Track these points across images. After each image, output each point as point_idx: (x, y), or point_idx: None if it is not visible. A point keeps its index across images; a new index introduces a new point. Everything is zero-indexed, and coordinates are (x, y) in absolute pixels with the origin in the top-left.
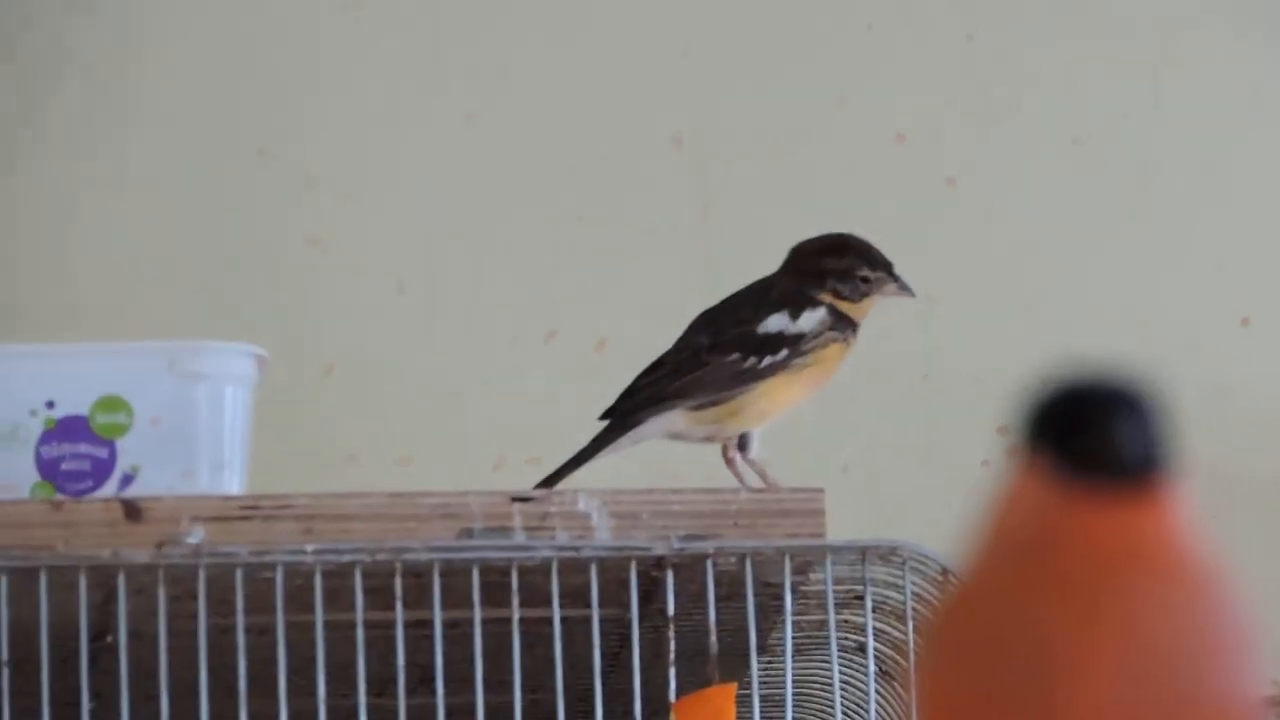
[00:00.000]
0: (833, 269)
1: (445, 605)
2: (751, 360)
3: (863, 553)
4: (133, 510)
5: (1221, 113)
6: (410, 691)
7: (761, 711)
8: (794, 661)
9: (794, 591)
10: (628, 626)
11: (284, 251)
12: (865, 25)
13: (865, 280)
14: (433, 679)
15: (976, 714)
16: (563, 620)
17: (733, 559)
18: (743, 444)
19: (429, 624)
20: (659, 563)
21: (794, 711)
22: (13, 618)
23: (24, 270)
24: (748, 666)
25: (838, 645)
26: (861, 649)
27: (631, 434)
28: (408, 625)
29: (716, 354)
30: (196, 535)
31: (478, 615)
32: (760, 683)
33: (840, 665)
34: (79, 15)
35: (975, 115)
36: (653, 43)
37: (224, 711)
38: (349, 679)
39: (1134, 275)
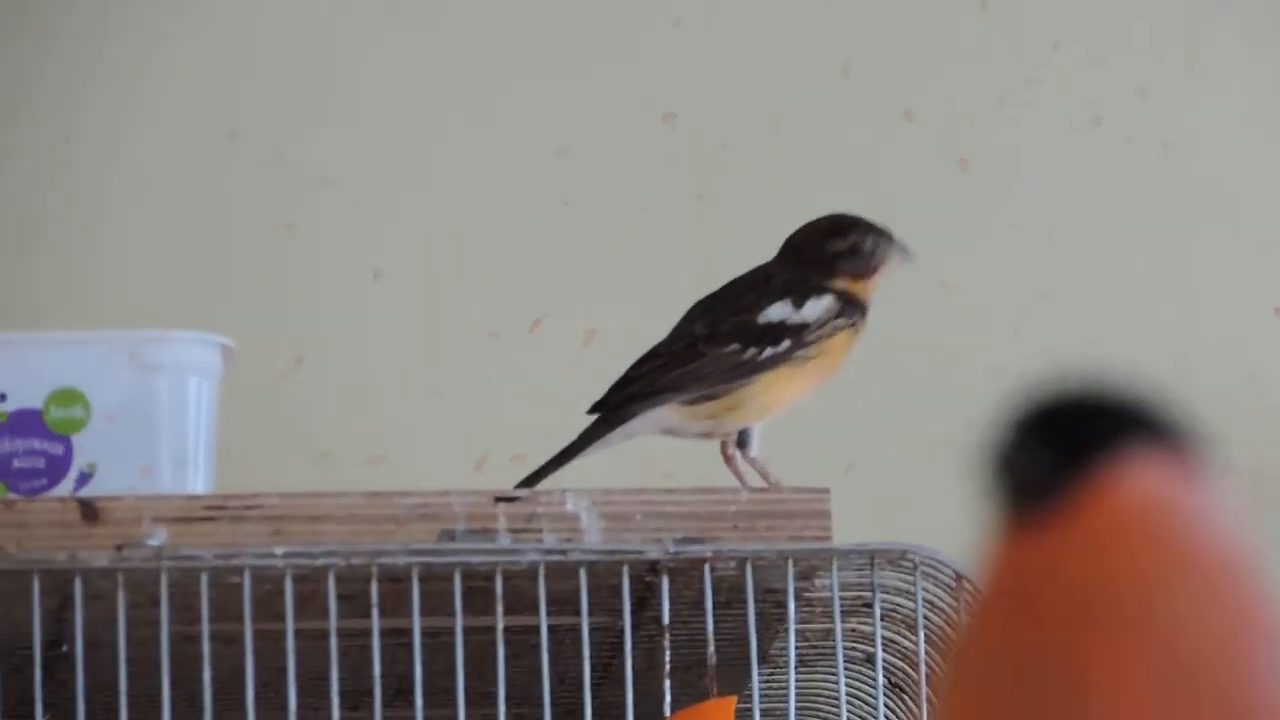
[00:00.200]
0: (840, 250)
1: (424, 612)
2: (751, 351)
3: (871, 557)
4: (90, 511)
5: (1257, 89)
6: (387, 704)
7: None
8: (797, 673)
9: (798, 598)
10: (620, 636)
11: (252, 237)
12: None
13: (872, 253)
14: (411, 691)
15: None
16: (550, 629)
17: (732, 564)
18: (742, 441)
19: (407, 632)
20: (653, 567)
21: None
22: None
23: None
24: (748, 679)
25: (844, 656)
26: (870, 660)
27: (622, 429)
28: (384, 634)
29: (714, 344)
30: (158, 537)
31: (459, 623)
32: (761, 696)
33: (847, 677)
34: None
35: (991, 90)
36: (642, 10)
37: None
38: (322, 691)
39: (1160, 263)
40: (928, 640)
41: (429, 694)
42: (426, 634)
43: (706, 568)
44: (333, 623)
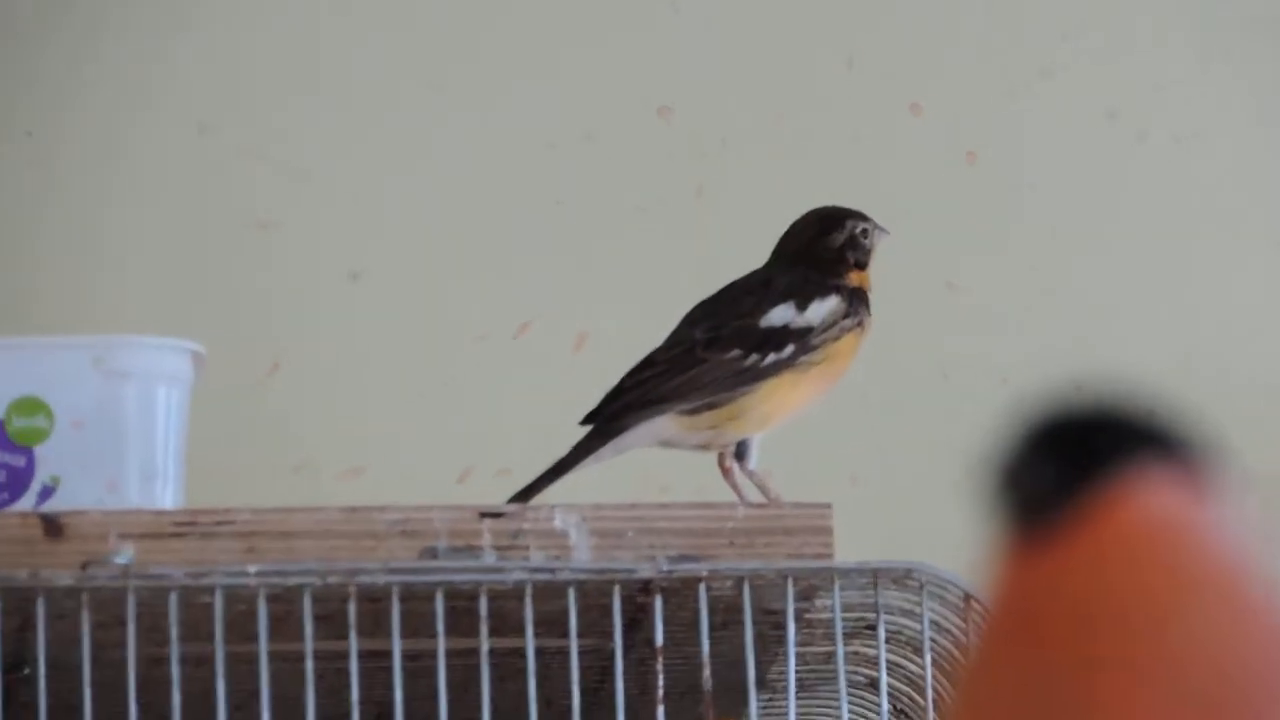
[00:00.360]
0: (842, 243)
1: (405, 634)
2: (753, 357)
3: (875, 576)
4: (53, 526)
5: (1274, 83)
6: None
7: None
8: (798, 699)
9: (798, 619)
10: (610, 658)
11: (225, 236)
12: None
13: (865, 234)
14: (391, 717)
15: None
16: (537, 651)
17: (729, 583)
18: (740, 453)
19: (387, 655)
20: (646, 587)
21: None
22: None
23: None
24: (745, 704)
25: (847, 681)
26: (873, 685)
27: (616, 441)
28: (363, 656)
29: (714, 350)
30: (125, 555)
31: (442, 645)
32: None
33: (850, 703)
34: None
35: (1000, 83)
36: None
37: None
38: (297, 717)
39: (1174, 262)
40: (934, 664)
41: (410, 719)
42: (407, 657)
43: (702, 587)
44: (308, 645)
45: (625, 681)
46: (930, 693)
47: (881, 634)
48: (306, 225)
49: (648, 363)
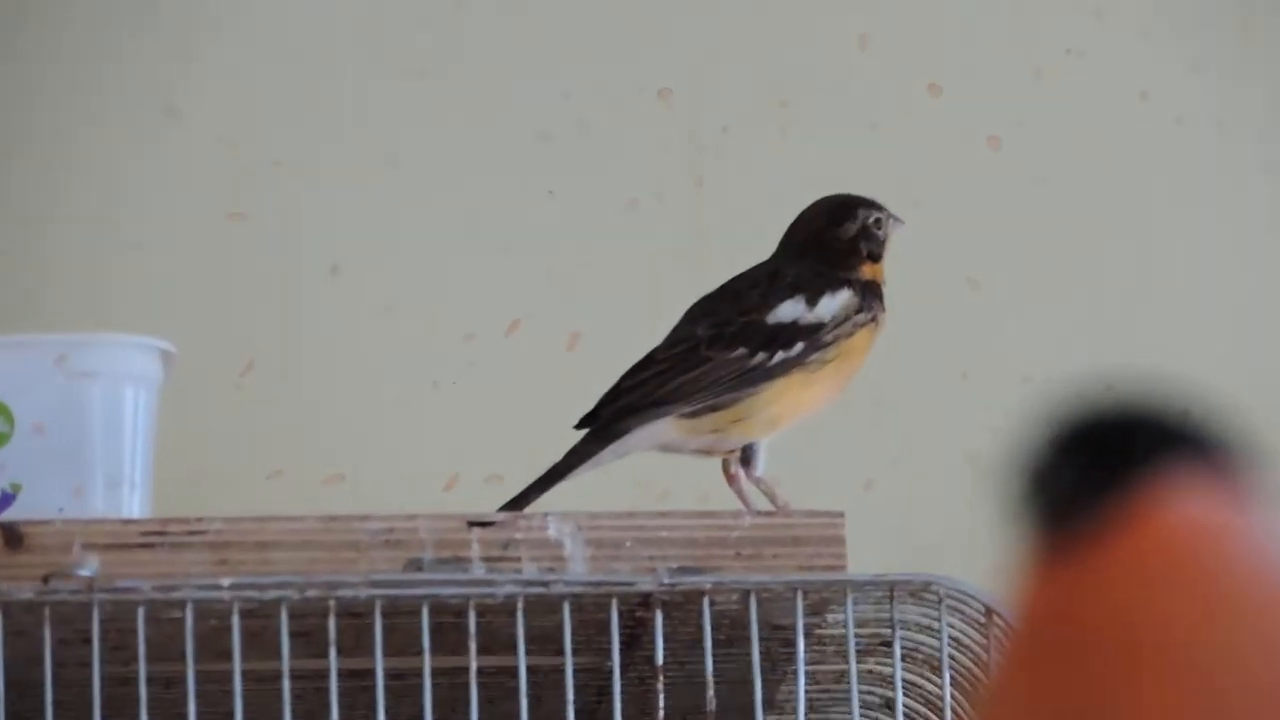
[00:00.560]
0: (855, 233)
1: (388, 651)
2: (760, 356)
3: (890, 589)
4: (13, 536)
5: None
6: None
7: None
8: None
9: (808, 636)
10: (607, 678)
11: (196, 227)
12: None
13: (878, 224)
14: None
15: None
16: (529, 670)
17: (734, 596)
18: (746, 458)
19: (369, 674)
20: (645, 601)
21: None
22: None
23: None
24: None
25: (860, 701)
26: (889, 706)
27: (615, 445)
28: (343, 675)
29: (718, 348)
30: (89, 566)
31: (427, 664)
32: None
33: None
34: None
35: (1025, 63)
36: None
37: None
38: None
39: (1214, 254)
40: (954, 683)
41: None
42: (390, 675)
43: (705, 601)
44: (285, 663)
45: (623, 702)
46: (949, 714)
47: (897, 651)
48: (283, 216)
49: (648, 362)
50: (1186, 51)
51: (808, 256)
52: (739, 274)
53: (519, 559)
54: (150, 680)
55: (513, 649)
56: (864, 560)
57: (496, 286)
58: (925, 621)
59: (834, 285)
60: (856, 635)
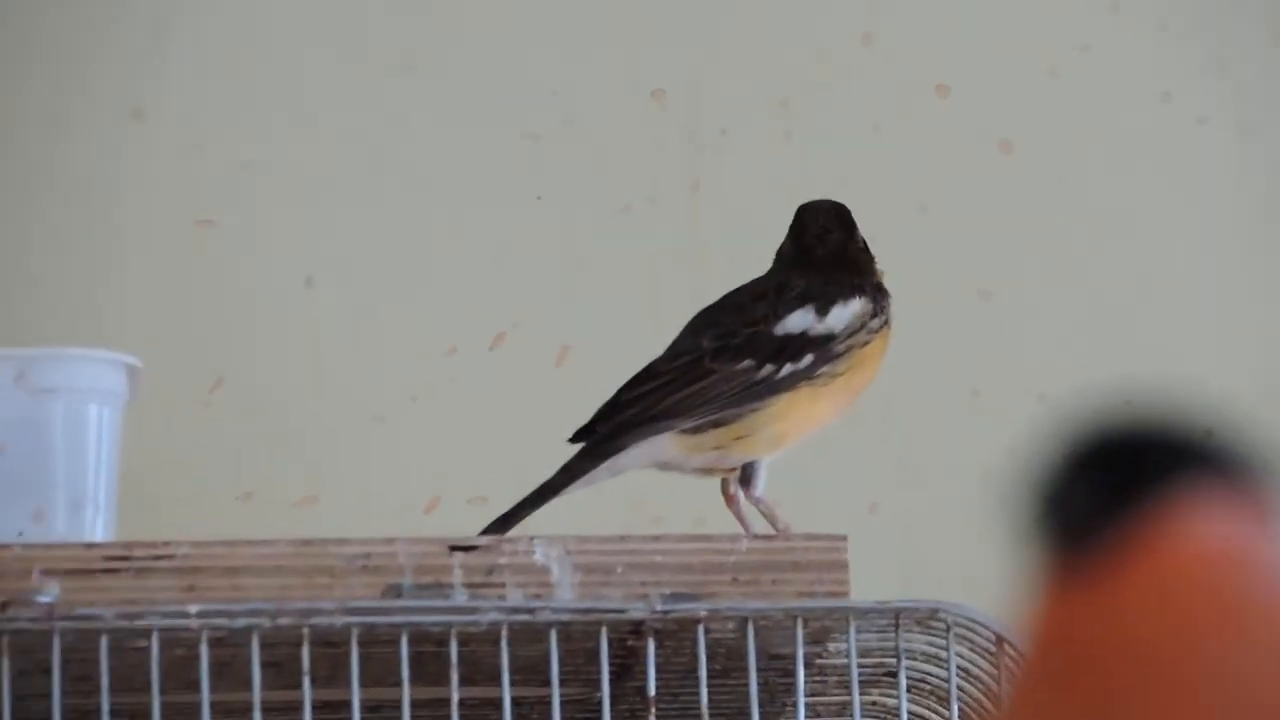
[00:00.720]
0: (860, 236)
1: (366, 682)
2: (768, 369)
3: (895, 616)
4: None
5: None
6: None
7: None
8: None
9: (809, 666)
10: (597, 709)
11: (164, 236)
12: None
13: None
14: None
15: None
16: (514, 702)
17: (730, 624)
18: (746, 477)
19: (345, 706)
20: (637, 629)
21: None
22: None
23: None
24: None
25: None
26: None
27: (611, 462)
28: (318, 707)
29: (724, 360)
30: (49, 593)
31: (406, 695)
32: None
33: None
34: None
35: (1038, 61)
36: None
37: None
38: None
39: (1239, 264)
40: (963, 715)
41: None
42: (367, 707)
43: (700, 629)
44: (256, 694)
45: None
46: None
47: (903, 682)
48: (254, 224)
49: (649, 374)
50: (1207, 49)
51: (817, 264)
52: (743, 285)
53: (503, 585)
54: (114, 713)
55: (497, 680)
56: (868, 586)
57: (480, 297)
58: (932, 650)
59: (846, 294)
60: (860, 665)
